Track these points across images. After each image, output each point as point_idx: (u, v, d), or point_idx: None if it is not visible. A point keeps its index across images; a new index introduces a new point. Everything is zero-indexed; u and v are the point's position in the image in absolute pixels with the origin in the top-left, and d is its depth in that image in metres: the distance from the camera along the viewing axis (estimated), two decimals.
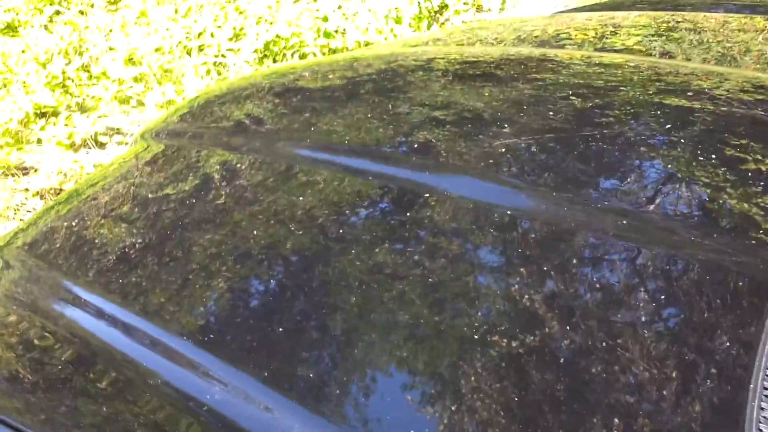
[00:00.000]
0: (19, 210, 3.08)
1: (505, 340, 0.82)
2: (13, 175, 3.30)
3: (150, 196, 1.22)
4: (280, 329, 0.90)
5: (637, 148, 1.07)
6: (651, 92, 1.24)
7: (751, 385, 0.71)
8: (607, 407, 0.74)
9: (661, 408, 0.73)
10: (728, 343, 0.76)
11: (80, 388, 0.93)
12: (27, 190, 3.19)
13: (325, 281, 0.95)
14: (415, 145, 1.15)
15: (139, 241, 1.11)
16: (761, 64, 1.48)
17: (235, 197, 1.14)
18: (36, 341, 1.02)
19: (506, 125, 1.15)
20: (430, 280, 0.91)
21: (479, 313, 0.85)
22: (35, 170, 3.38)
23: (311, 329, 0.89)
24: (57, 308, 1.06)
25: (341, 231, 1.02)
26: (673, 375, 0.75)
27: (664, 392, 0.74)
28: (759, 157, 1.00)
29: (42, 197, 3.16)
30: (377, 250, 0.97)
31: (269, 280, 0.99)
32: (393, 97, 1.35)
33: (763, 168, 0.97)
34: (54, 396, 0.93)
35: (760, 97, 1.22)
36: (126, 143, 3.52)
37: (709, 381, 0.74)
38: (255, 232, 1.05)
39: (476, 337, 0.83)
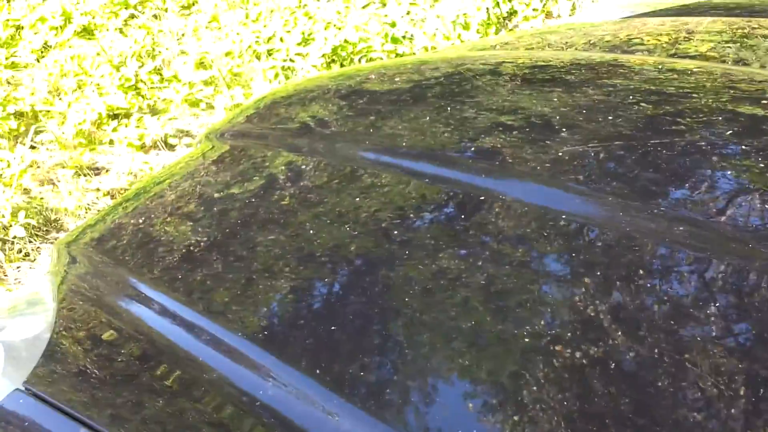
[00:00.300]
0: (90, 209, 3.16)
1: (567, 350, 0.79)
2: (85, 174, 3.38)
3: (214, 195, 1.23)
4: (342, 332, 0.89)
5: (708, 157, 1.04)
6: (724, 100, 1.20)
7: None
8: (673, 423, 0.71)
9: (728, 426, 0.69)
10: None
11: (143, 384, 0.93)
12: (98, 189, 3.26)
13: (386, 284, 0.93)
14: (480, 150, 1.13)
15: (203, 239, 1.12)
16: None
17: (298, 198, 1.14)
18: (100, 336, 1.03)
19: (574, 131, 1.12)
20: (493, 286, 0.89)
21: (541, 321, 0.83)
22: (106, 170, 3.45)
23: (373, 333, 0.88)
24: (122, 304, 1.07)
25: (403, 235, 1.00)
26: (742, 392, 0.71)
27: (732, 409, 0.70)
28: None
29: (112, 197, 3.23)
30: (439, 254, 0.95)
31: (331, 282, 0.98)
32: (459, 101, 1.33)
33: None
34: (116, 390, 0.94)
35: None
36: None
37: None
38: (318, 233, 1.05)
39: (537, 345, 0.80)
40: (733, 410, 0.70)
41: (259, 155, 1.32)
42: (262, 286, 1.00)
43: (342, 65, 4.07)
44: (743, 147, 1.04)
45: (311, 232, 1.05)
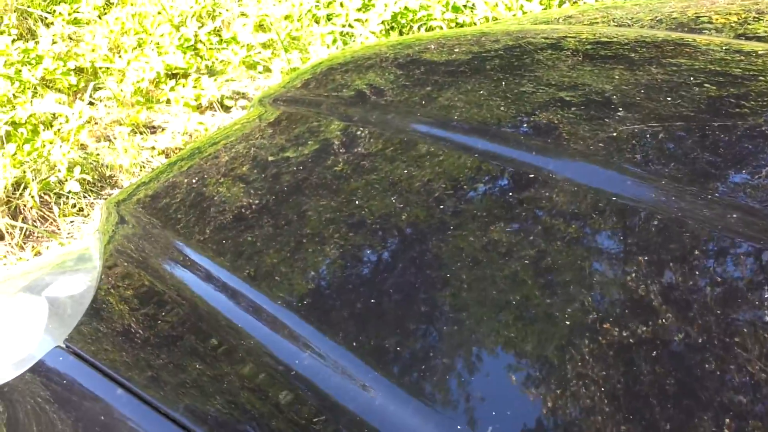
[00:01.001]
0: (144, 167, 3.19)
1: (614, 333, 0.76)
2: (141, 133, 3.42)
3: (264, 162, 1.22)
4: (387, 306, 0.87)
5: None
6: (737, 71, 1.16)
7: None
8: (720, 408, 0.67)
9: None
10: None
11: (183, 349, 0.93)
12: (153, 148, 3.29)
13: (432, 261, 0.91)
14: (534, 127, 1.10)
15: (251, 206, 1.11)
16: None
17: (347, 168, 1.12)
18: (143, 299, 1.03)
19: (633, 111, 1.09)
20: (538, 266, 0.86)
21: (585, 304, 0.80)
22: (162, 129, 3.48)
23: (417, 309, 0.86)
24: (167, 267, 1.06)
25: (450, 210, 0.98)
26: None
27: None
28: None
29: (167, 156, 3.26)
30: (486, 232, 0.93)
31: (379, 256, 0.96)
32: (517, 76, 1.30)
33: None
34: (156, 354, 0.94)
35: None
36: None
37: None
38: (365, 206, 1.03)
39: (580, 327, 0.78)
40: None
41: (311, 123, 1.30)
42: (307, 256, 0.99)
43: (401, 33, 4.02)
44: None
45: (358, 204, 1.03)
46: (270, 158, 1.22)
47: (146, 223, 1.18)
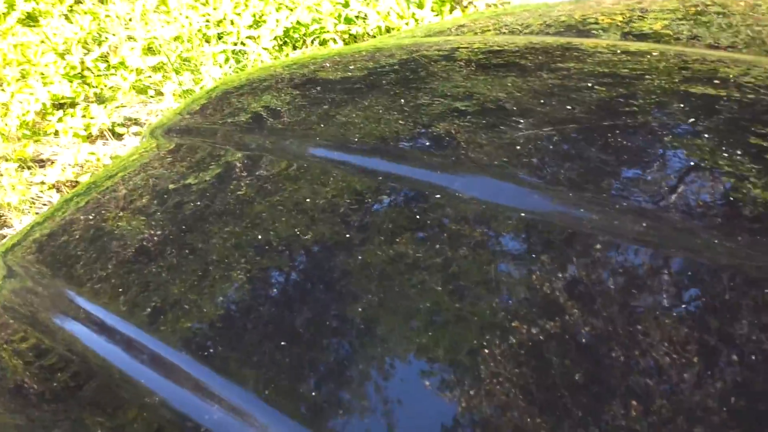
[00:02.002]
0: (34, 203, 3.05)
1: (512, 355, 0.75)
2: (29, 168, 3.26)
3: (156, 200, 1.16)
4: (300, 345, 0.83)
5: (661, 143, 1.01)
6: (676, 81, 1.18)
7: None
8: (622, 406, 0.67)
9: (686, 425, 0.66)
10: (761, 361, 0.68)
11: (74, 412, 0.86)
12: (43, 183, 3.15)
13: (345, 293, 0.87)
14: (434, 144, 1.09)
15: (146, 248, 1.05)
16: None
17: (246, 203, 1.07)
18: (30, 360, 0.96)
19: (532, 120, 1.08)
20: (443, 291, 0.84)
21: (490, 326, 0.78)
22: (51, 162, 3.34)
23: (319, 345, 0.82)
24: (57, 321, 0.99)
25: (357, 238, 0.94)
26: (698, 391, 0.68)
27: (690, 408, 0.67)
28: None
29: (58, 190, 3.12)
30: (396, 258, 0.90)
31: (286, 291, 0.92)
32: (414, 90, 1.28)
33: None
34: (44, 420, 0.87)
35: None
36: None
37: (738, 398, 0.66)
38: (266, 239, 0.98)
39: (484, 349, 0.76)
40: (690, 409, 0.67)
41: (206, 154, 1.25)
42: (210, 296, 0.94)
43: (294, 48, 3.98)
44: (695, 131, 1.01)
45: (260, 239, 0.99)
46: (160, 199, 1.16)
47: (35, 273, 1.10)
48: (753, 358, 0.70)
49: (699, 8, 1.73)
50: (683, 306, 0.76)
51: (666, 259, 0.81)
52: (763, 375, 0.69)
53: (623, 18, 1.72)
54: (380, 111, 1.21)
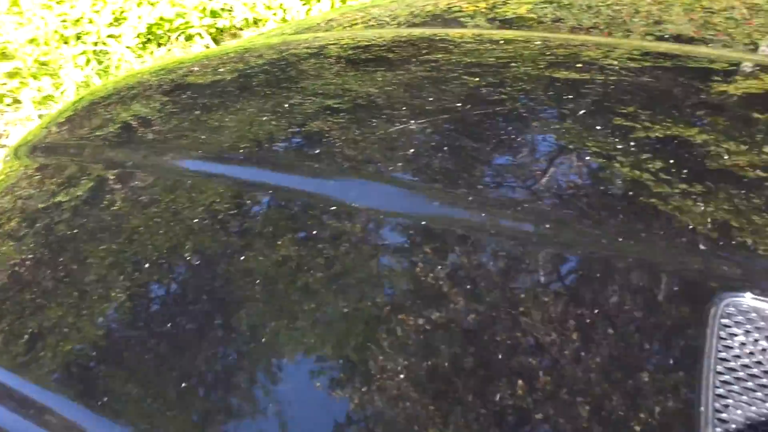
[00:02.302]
0: None
1: (390, 362, 0.76)
2: None
3: (21, 229, 1.10)
4: (172, 372, 0.81)
5: (531, 132, 1.05)
6: (542, 67, 1.22)
7: (702, 399, 0.68)
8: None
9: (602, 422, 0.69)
10: (668, 355, 0.72)
11: None
12: None
13: (230, 323, 0.86)
14: (306, 147, 1.09)
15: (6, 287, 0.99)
16: (648, 27, 1.47)
17: (117, 228, 1.03)
18: None
19: (401, 116, 1.10)
20: (323, 293, 0.84)
21: (372, 333, 0.79)
22: None
23: (207, 367, 0.81)
24: None
25: (233, 256, 0.92)
26: (606, 393, 0.71)
27: (601, 411, 0.70)
28: (670, 131, 0.98)
29: None
30: (272, 268, 0.89)
31: (159, 328, 0.88)
32: (286, 91, 1.27)
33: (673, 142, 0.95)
34: None
35: (648, 64, 1.21)
36: (2, 146, 3.29)
37: (650, 396, 0.70)
38: (140, 274, 0.94)
39: (365, 357, 0.77)
40: (601, 411, 0.70)
41: (75, 174, 1.19)
42: (79, 332, 0.89)
43: (159, 45, 3.87)
44: (561, 116, 1.06)
45: (132, 275, 0.94)
46: (29, 223, 1.10)
47: None
48: (621, 343, 0.74)
49: None
50: (556, 295, 0.79)
51: (541, 252, 0.84)
52: (630, 354, 0.73)
53: (486, 3, 1.76)
54: (253, 116, 1.20)
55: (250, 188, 1.03)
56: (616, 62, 1.21)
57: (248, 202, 1.01)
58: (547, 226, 0.86)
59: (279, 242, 0.93)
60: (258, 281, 0.88)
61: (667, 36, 1.41)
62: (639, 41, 1.38)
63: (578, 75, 1.18)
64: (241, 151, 1.10)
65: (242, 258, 0.92)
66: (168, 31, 3.88)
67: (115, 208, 1.06)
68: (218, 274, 0.90)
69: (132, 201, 1.07)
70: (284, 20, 3.90)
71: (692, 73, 1.17)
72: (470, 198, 0.91)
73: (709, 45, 1.36)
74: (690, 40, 1.39)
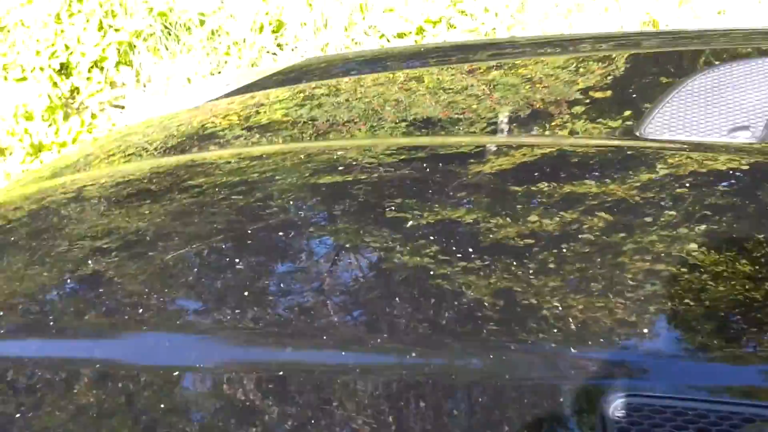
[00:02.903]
0: None
1: None
2: None
3: None
4: None
5: (310, 245, 1.11)
6: (306, 175, 1.29)
7: None
8: None
9: None
10: None
11: None
12: None
13: None
14: (73, 300, 1.09)
15: None
16: (401, 117, 1.57)
17: None
18: None
19: (171, 247, 1.13)
20: None
21: None
22: None
23: None
24: None
25: None
26: None
27: None
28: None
29: None
30: None
31: None
32: (50, 239, 1.24)
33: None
34: None
35: (403, 157, 1.32)
36: None
37: None
38: None
39: None
40: None
41: None
42: None
43: None
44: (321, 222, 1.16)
45: None
46: None
47: None
48: None
49: (307, 93, 1.85)
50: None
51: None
52: None
53: (239, 119, 1.79)
54: (17, 273, 1.16)
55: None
56: (375, 161, 1.29)
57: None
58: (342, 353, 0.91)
59: None
60: None
61: (419, 124, 1.51)
62: (394, 139, 1.46)
63: (341, 178, 1.24)
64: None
65: None
66: None
67: None
68: None
69: None
70: (32, 145, 3.73)
71: (447, 159, 1.28)
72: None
73: (459, 125, 1.48)
74: (440, 124, 1.50)
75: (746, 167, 1.13)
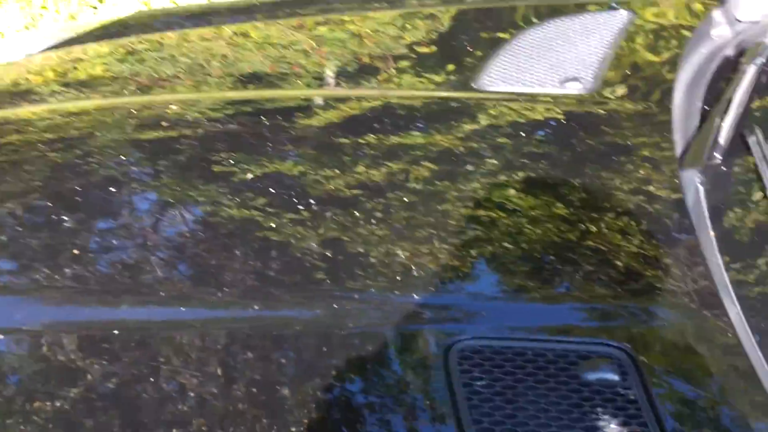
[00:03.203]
0: None
1: None
2: None
3: None
4: None
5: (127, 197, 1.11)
6: (129, 131, 1.26)
7: None
8: None
9: None
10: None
11: None
12: None
13: None
14: None
15: None
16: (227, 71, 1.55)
17: None
18: None
19: None
20: None
21: None
22: None
23: None
24: None
25: None
26: None
27: None
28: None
29: None
30: None
31: None
32: None
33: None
34: None
35: (230, 111, 1.31)
36: None
37: None
38: None
39: None
40: None
41: None
42: None
43: None
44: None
45: None
46: None
47: None
48: None
49: (130, 48, 1.77)
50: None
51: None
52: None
53: (57, 72, 1.70)
54: None
55: None
56: (201, 115, 1.28)
57: None
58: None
59: None
60: None
61: (246, 78, 1.51)
62: (220, 93, 1.45)
63: (165, 133, 1.22)
64: None
65: None
66: None
67: None
68: None
69: None
70: None
71: (275, 112, 1.28)
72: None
73: (287, 79, 1.48)
74: (267, 78, 1.50)
75: (570, 116, 1.20)
